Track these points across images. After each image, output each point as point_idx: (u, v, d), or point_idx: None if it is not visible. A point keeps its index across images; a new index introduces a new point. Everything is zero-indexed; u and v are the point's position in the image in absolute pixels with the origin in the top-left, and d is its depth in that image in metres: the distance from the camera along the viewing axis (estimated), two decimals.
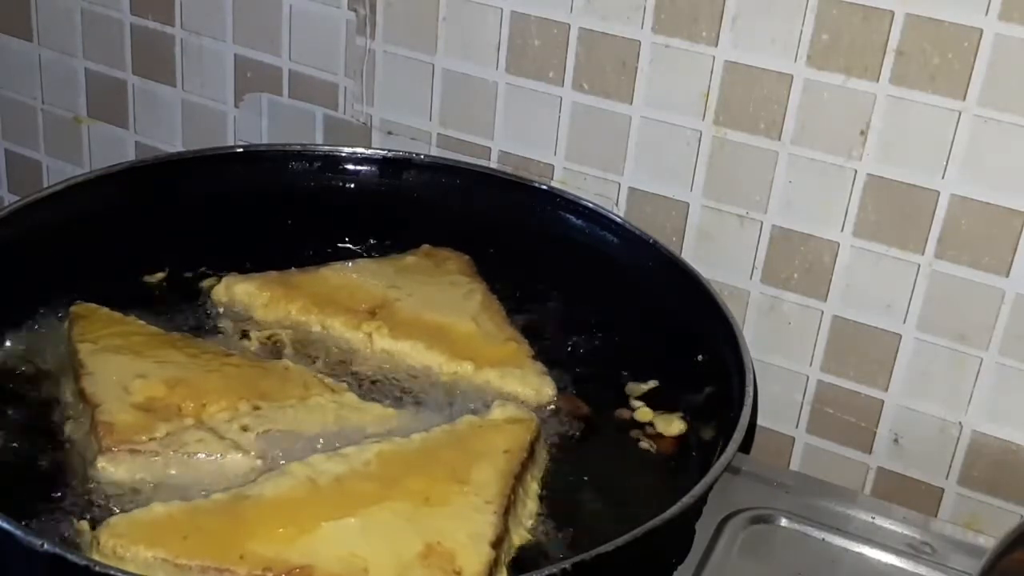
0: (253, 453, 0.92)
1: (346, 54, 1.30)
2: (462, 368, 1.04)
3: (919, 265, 1.09)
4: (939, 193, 1.06)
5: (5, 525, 0.77)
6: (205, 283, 1.13)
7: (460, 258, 1.18)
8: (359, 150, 1.24)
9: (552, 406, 1.02)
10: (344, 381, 1.02)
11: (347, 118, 1.33)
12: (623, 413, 1.04)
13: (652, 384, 1.06)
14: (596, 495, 0.95)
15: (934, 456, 1.13)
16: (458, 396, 1.02)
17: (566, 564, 0.78)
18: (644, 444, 1.01)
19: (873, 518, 1.01)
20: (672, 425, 1.02)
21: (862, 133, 1.07)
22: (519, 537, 0.89)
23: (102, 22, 1.45)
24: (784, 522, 1.00)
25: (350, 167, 1.23)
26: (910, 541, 0.99)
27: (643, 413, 1.03)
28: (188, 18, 1.39)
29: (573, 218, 1.17)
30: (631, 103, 1.17)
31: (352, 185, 1.23)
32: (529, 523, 0.90)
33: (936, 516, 1.12)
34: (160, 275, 1.15)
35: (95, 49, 1.47)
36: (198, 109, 1.43)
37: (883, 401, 1.14)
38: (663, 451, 1.01)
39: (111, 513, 0.85)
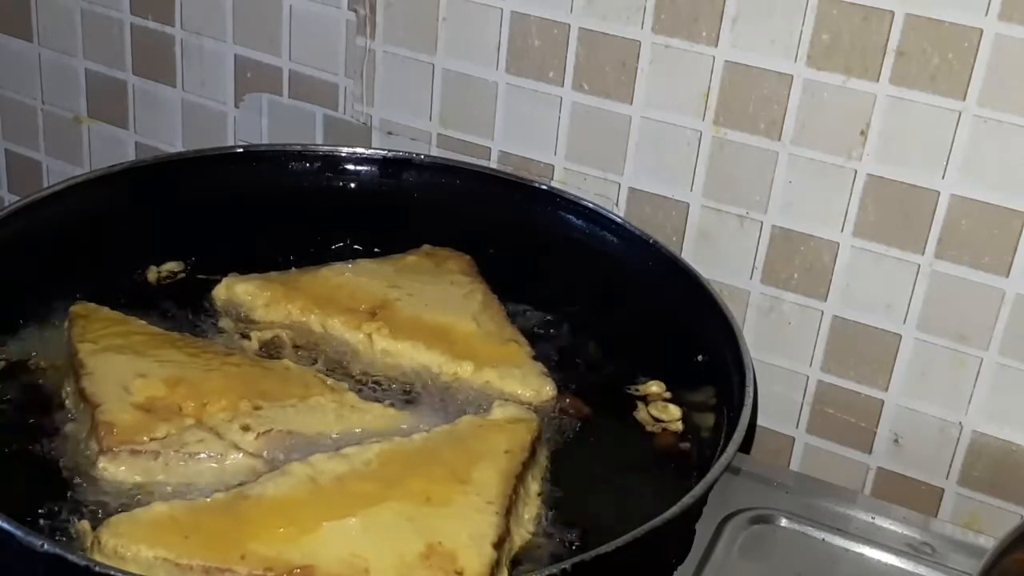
0: (254, 453, 0.92)
1: (346, 54, 1.30)
2: (462, 368, 1.03)
3: (919, 265, 1.09)
4: (939, 193, 1.06)
5: (5, 525, 0.77)
6: (205, 283, 1.13)
7: (460, 258, 1.18)
8: (359, 150, 1.24)
9: (552, 406, 1.02)
10: (344, 381, 1.02)
11: (347, 118, 1.33)
12: (623, 413, 1.04)
13: (652, 384, 1.06)
14: (596, 495, 0.95)
15: (934, 456, 1.13)
16: (458, 396, 1.02)
17: (566, 564, 0.78)
18: (644, 444, 1.01)
19: (873, 518, 1.01)
20: (672, 425, 1.02)
21: (862, 133, 1.07)
22: (520, 537, 0.88)
23: (102, 22, 1.45)
24: (784, 522, 1.00)
25: (350, 167, 1.23)
26: (910, 541, 0.99)
27: (643, 413, 1.04)
28: (188, 18, 1.39)
29: (573, 218, 1.17)
30: (631, 103, 1.17)
31: (352, 185, 1.23)
32: (530, 523, 0.90)
33: (936, 516, 1.12)
34: (160, 275, 1.15)
35: (95, 49, 1.47)
36: (198, 109, 1.43)
37: (883, 401, 1.14)
38: (663, 451, 1.01)
39: (112, 513, 0.85)
